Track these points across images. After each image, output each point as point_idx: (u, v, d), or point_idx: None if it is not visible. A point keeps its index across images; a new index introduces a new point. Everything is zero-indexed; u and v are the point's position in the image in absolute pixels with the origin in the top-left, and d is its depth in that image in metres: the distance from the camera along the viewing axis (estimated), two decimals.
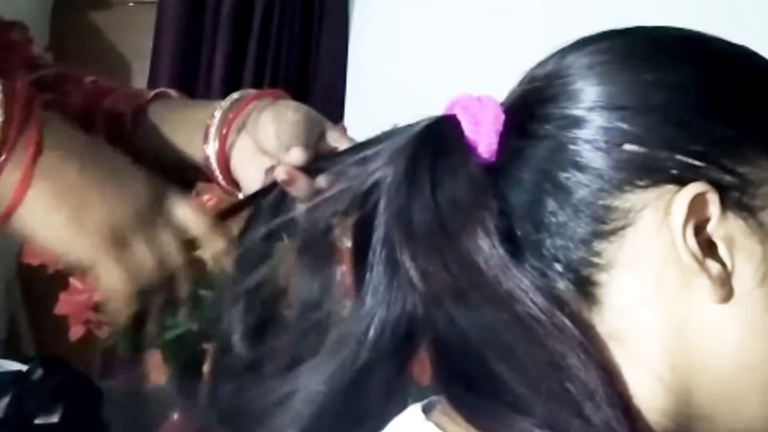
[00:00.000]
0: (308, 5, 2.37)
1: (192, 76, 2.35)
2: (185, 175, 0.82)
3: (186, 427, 1.36)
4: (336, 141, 0.74)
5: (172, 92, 0.87)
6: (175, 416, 1.37)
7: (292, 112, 0.74)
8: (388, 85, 2.26)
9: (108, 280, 0.66)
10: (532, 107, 0.53)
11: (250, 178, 0.75)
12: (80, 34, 2.64)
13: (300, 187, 0.69)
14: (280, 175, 0.69)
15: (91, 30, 2.64)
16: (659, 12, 1.73)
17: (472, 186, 0.51)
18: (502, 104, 0.54)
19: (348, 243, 1.37)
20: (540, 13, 2.18)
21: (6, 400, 1.56)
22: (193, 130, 0.78)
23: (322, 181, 0.68)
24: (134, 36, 2.57)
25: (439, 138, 0.53)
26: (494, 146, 0.53)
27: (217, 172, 0.77)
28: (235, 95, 0.78)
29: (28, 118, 0.64)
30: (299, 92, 2.36)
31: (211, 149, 0.77)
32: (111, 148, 0.71)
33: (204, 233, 0.70)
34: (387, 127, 1.71)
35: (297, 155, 0.70)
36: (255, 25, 2.34)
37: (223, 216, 0.72)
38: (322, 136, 0.74)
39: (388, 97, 2.16)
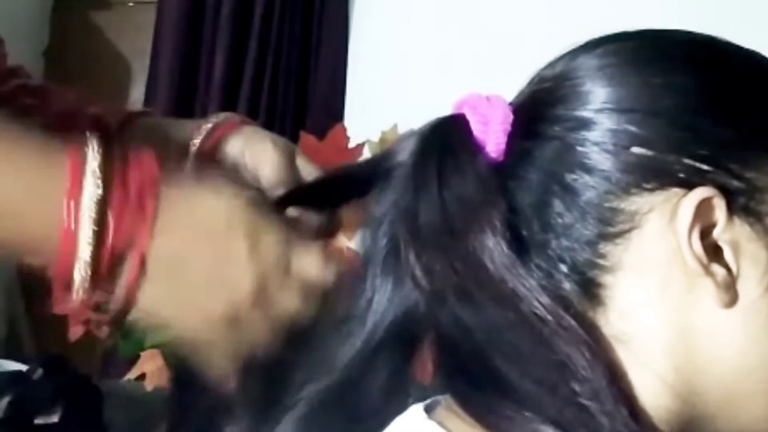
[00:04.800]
0: (308, 5, 2.37)
1: (192, 76, 2.35)
2: None
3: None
4: (303, 167, 0.73)
5: (155, 113, 0.86)
6: None
7: (261, 138, 0.74)
8: (388, 85, 2.26)
9: (215, 358, 0.60)
10: (541, 108, 0.53)
11: None
12: (80, 34, 2.64)
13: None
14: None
15: (91, 30, 2.64)
16: (658, 11, 1.73)
17: (480, 185, 0.51)
18: (510, 104, 0.54)
19: (348, 243, 1.37)
20: (540, 14, 2.18)
21: (6, 400, 1.56)
22: (177, 148, 0.77)
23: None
24: (134, 36, 2.57)
25: (447, 137, 0.53)
26: (502, 146, 0.53)
27: None
28: (216, 118, 0.77)
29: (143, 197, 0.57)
30: (299, 92, 2.36)
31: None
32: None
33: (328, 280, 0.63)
34: (387, 127, 1.70)
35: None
36: (255, 25, 2.34)
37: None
38: (292, 160, 0.73)
39: (388, 97, 2.16)
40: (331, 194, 0.65)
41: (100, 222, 0.56)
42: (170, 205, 0.58)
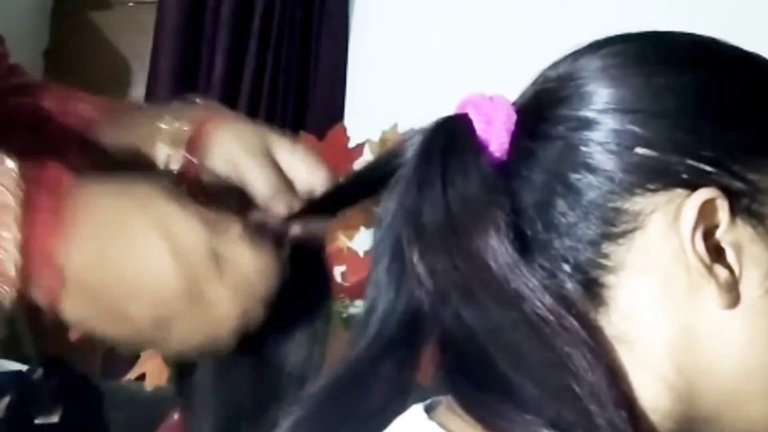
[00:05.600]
0: (308, 6, 2.37)
1: (192, 76, 2.35)
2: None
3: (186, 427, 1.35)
4: (286, 161, 0.70)
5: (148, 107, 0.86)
6: (175, 416, 1.36)
7: (238, 134, 0.72)
8: (388, 86, 2.26)
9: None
10: (545, 108, 0.53)
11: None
12: (80, 34, 2.64)
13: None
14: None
15: (91, 30, 2.64)
16: (659, 13, 1.73)
17: (484, 184, 0.51)
18: (513, 104, 0.55)
19: (348, 244, 1.36)
20: (540, 15, 2.18)
21: (6, 400, 1.56)
22: (143, 135, 0.76)
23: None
24: (134, 36, 2.57)
25: (451, 136, 0.53)
26: (506, 145, 0.53)
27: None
28: (178, 121, 0.75)
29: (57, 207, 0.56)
30: (299, 92, 2.36)
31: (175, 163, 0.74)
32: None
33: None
34: (387, 127, 1.69)
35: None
36: (255, 25, 2.34)
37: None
38: (267, 157, 0.70)
39: (388, 98, 2.16)
40: (342, 201, 0.65)
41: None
42: (82, 213, 0.57)
